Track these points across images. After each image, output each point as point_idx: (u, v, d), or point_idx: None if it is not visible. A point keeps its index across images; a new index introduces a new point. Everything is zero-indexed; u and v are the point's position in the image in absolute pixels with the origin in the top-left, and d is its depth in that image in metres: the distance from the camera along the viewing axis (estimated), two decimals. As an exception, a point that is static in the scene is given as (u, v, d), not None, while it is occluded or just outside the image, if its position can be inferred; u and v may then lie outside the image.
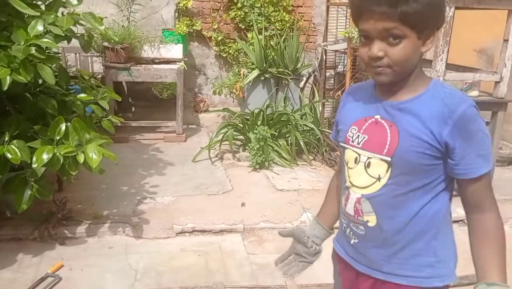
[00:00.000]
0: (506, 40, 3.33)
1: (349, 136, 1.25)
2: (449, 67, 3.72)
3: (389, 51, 1.09)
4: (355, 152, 1.23)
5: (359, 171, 1.22)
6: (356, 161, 1.23)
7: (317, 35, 6.27)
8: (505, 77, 3.39)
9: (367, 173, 1.20)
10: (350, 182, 1.25)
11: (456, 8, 3.18)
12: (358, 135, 1.23)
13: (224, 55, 6.08)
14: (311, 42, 6.29)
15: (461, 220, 3.48)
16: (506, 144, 4.69)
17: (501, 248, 1.15)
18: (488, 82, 3.56)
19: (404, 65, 1.12)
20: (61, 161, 2.42)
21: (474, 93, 3.46)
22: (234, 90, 5.52)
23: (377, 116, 1.21)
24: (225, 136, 4.49)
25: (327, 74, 5.02)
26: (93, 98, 2.86)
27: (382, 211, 1.20)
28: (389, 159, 1.16)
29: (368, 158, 1.20)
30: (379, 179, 1.19)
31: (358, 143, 1.22)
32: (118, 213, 3.26)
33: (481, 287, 1.11)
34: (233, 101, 6.02)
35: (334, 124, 1.41)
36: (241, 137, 4.67)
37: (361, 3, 1.11)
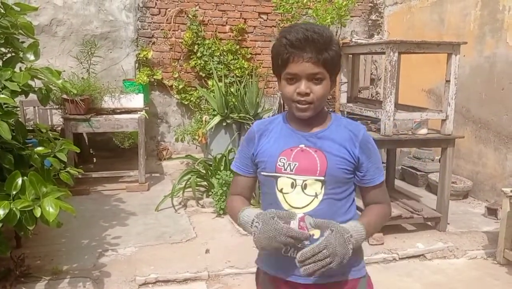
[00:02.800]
0: (448, 81, 3.56)
1: (279, 165, 1.41)
2: (399, 107, 3.92)
3: (313, 88, 1.36)
4: (290, 178, 1.40)
5: (296, 193, 1.40)
6: (293, 185, 1.40)
7: (276, 81, 6.46)
8: (450, 115, 3.60)
9: (305, 194, 1.39)
10: (289, 205, 1.40)
11: (400, 53, 3.40)
12: (289, 164, 1.40)
13: (186, 103, 6.17)
14: (271, 87, 6.48)
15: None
16: (460, 178, 4.90)
17: (381, 221, 1.50)
18: (436, 120, 3.76)
19: (322, 101, 1.40)
20: (18, 216, 2.38)
21: (423, 131, 3.64)
22: (197, 137, 5.58)
23: (302, 145, 1.43)
24: (188, 183, 4.49)
25: (287, 118, 5.15)
26: (50, 151, 2.85)
27: None
28: (322, 178, 1.39)
29: (304, 180, 1.39)
30: (316, 196, 1.39)
31: (291, 170, 1.40)
32: (79, 267, 3.17)
33: (348, 222, 1.38)
34: (196, 148, 6.07)
35: (243, 156, 1.55)
36: (205, 183, 4.68)
37: (294, 50, 1.33)
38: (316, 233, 1.37)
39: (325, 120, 1.47)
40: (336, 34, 4.06)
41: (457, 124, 4.15)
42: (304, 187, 1.39)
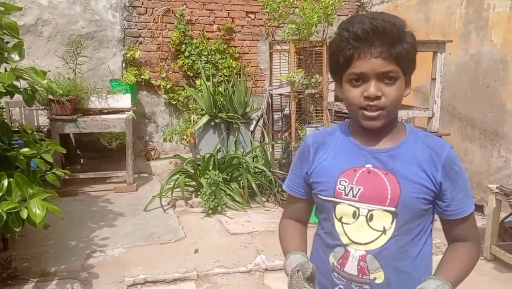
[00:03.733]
0: (433, 79, 3.60)
1: (339, 189, 1.16)
2: (386, 105, 3.95)
3: (385, 90, 1.09)
4: (352, 206, 1.15)
5: (359, 226, 1.14)
6: (355, 215, 1.15)
7: (264, 80, 6.48)
8: (436, 112, 3.64)
9: (370, 227, 1.14)
10: (348, 239, 1.16)
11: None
12: (352, 187, 1.15)
13: (174, 103, 6.14)
14: (259, 86, 6.49)
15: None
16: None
17: (470, 269, 1.19)
18: (422, 118, 3.80)
19: (396, 106, 1.13)
20: (4, 218, 2.35)
21: (410, 129, 3.67)
22: (185, 137, 5.56)
23: (368, 165, 1.16)
24: (177, 183, 4.48)
25: (275, 116, 5.18)
26: (36, 152, 2.82)
27: (390, 265, 1.14)
28: (393, 209, 1.12)
29: (369, 210, 1.13)
30: (384, 232, 1.13)
31: (354, 196, 1.14)
32: (66, 269, 3.15)
33: (427, 281, 1.13)
34: (185, 148, 6.05)
35: (296, 175, 1.31)
36: (193, 183, 4.67)
37: (359, 44, 1.08)
38: (379, 276, 1.15)
39: (398, 133, 1.19)
40: (323, 33, 4.08)
41: (443, 121, 4.20)
42: (369, 218, 1.14)
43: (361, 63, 1.08)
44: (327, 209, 1.20)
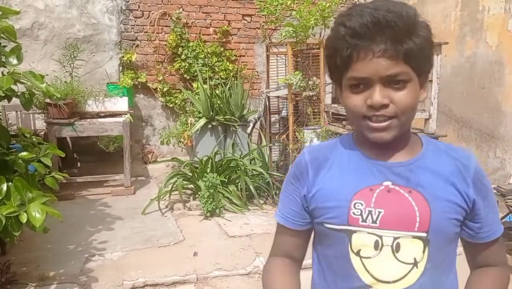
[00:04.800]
0: (430, 81, 3.62)
1: (355, 214, 0.94)
2: (383, 107, 3.97)
3: (394, 97, 0.89)
4: (373, 234, 0.93)
5: (384, 259, 0.93)
6: (378, 246, 0.93)
7: (261, 82, 6.48)
8: (433, 114, 3.66)
9: (398, 260, 0.93)
10: (372, 277, 0.94)
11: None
12: (370, 211, 0.93)
13: (171, 105, 6.14)
14: (256, 89, 6.49)
15: None
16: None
17: None
18: (419, 119, 3.82)
19: (410, 114, 0.93)
20: (3, 222, 2.34)
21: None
22: (182, 139, 5.56)
23: (387, 183, 0.95)
24: (174, 186, 4.48)
25: (272, 119, 5.19)
26: (35, 155, 2.81)
27: None
28: (424, 235, 0.92)
29: (395, 238, 0.92)
30: (415, 264, 0.92)
31: (374, 221, 0.93)
32: (65, 273, 3.14)
33: None
34: (182, 150, 6.04)
35: (290, 200, 1.06)
36: (191, 185, 4.67)
37: (358, 41, 0.88)
38: None
39: (413, 144, 0.99)
40: (320, 35, 4.09)
41: (440, 123, 4.21)
42: (396, 248, 0.92)
43: (362, 65, 0.88)
44: (338, 242, 0.97)
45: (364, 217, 0.93)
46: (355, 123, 0.96)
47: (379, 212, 0.93)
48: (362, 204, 0.94)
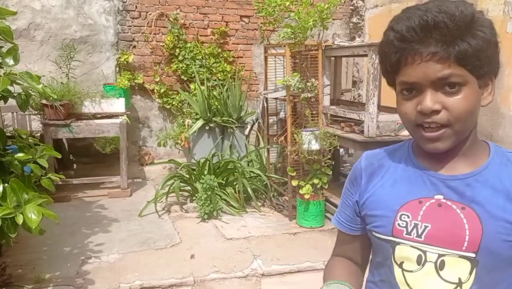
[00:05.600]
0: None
1: (400, 225, 0.92)
2: (382, 109, 3.96)
3: (447, 102, 0.84)
4: (417, 248, 0.90)
5: (426, 274, 0.89)
6: (421, 261, 0.90)
7: (258, 84, 6.47)
8: (432, 116, 3.64)
9: (441, 278, 0.88)
10: None
11: (383, 55, 3.42)
12: (416, 224, 0.90)
13: (168, 107, 6.11)
14: (253, 90, 6.48)
15: None
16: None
17: None
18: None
19: (467, 122, 0.87)
20: (-1, 224, 2.32)
21: (406, 132, 3.66)
22: (179, 141, 5.53)
23: (439, 196, 0.90)
24: (172, 188, 4.45)
25: (270, 120, 5.16)
26: (31, 157, 2.78)
27: None
28: (473, 255, 0.86)
29: (440, 255, 0.88)
30: (460, 285, 0.87)
31: (419, 235, 0.90)
32: (61, 275, 3.11)
33: None
34: (179, 152, 6.02)
35: (345, 205, 1.08)
36: (188, 188, 4.64)
37: (406, 45, 0.85)
38: None
39: (478, 155, 0.93)
40: (318, 37, 4.08)
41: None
42: (440, 266, 0.88)
43: (411, 69, 0.85)
44: (384, 251, 0.96)
45: (409, 230, 0.91)
46: (409, 131, 0.92)
47: (426, 227, 0.90)
48: (408, 216, 0.91)
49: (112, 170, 5.12)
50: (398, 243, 0.92)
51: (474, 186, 0.89)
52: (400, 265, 0.92)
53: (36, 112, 4.84)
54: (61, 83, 4.90)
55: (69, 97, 4.68)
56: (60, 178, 3.10)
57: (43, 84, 2.91)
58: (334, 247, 1.15)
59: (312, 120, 4.04)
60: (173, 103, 6.09)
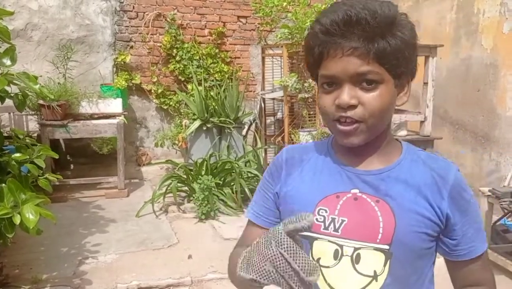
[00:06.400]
0: (425, 83, 3.63)
1: (318, 220, 0.91)
2: (379, 109, 3.97)
3: (363, 98, 0.86)
4: (334, 242, 0.90)
5: (343, 269, 0.89)
6: (338, 255, 0.89)
7: (256, 84, 6.47)
8: (428, 116, 3.66)
9: (357, 271, 0.89)
10: (329, 287, 0.90)
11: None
12: (333, 219, 0.90)
13: (165, 107, 6.11)
14: (251, 91, 6.48)
15: None
16: (438, 178, 4.97)
17: None
18: (414, 122, 3.82)
19: (381, 118, 0.89)
20: (-4, 225, 2.31)
21: (403, 132, 3.69)
22: (177, 142, 5.53)
23: (355, 190, 0.92)
24: (169, 188, 4.45)
25: (268, 121, 5.17)
26: (28, 157, 2.78)
27: None
28: (386, 247, 0.87)
29: (356, 249, 0.89)
30: (375, 277, 0.88)
31: (336, 230, 0.90)
32: (59, 275, 3.10)
33: None
34: (176, 153, 6.02)
35: (263, 197, 1.03)
36: (186, 188, 4.64)
37: (329, 39, 0.86)
38: None
39: (391, 152, 0.96)
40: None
41: (435, 125, 4.22)
42: (356, 259, 0.89)
43: (332, 62, 0.86)
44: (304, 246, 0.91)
45: (327, 225, 0.91)
46: (327, 126, 0.94)
47: (343, 221, 0.90)
48: (326, 211, 0.91)
49: (109, 171, 5.11)
50: (316, 239, 0.91)
51: (387, 180, 0.91)
52: (317, 262, 0.91)
53: (33, 112, 4.83)
54: (58, 83, 4.88)
55: (66, 97, 4.67)
56: (57, 178, 3.10)
57: (40, 84, 2.91)
58: (239, 240, 1.09)
59: (309, 120, 4.05)
60: (171, 103, 6.09)
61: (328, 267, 0.90)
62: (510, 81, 4.15)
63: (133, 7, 5.90)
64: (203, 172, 4.56)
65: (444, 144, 4.88)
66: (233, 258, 1.00)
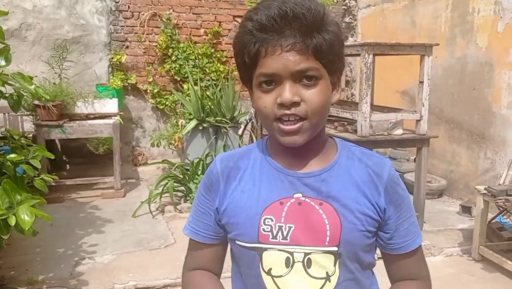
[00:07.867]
0: (421, 82, 3.63)
1: (265, 230, 0.89)
2: (375, 108, 3.98)
3: (305, 94, 0.84)
4: (284, 250, 0.88)
5: (297, 276, 0.88)
6: (289, 263, 0.88)
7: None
8: (424, 115, 3.67)
9: (310, 276, 0.88)
10: None
11: (375, 54, 3.44)
12: (280, 227, 0.88)
13: (161, 107, 6.10)
14: (246, 90, 6.45)
15: None
16: (434, 177, 4.99)
17: None
18: (410, 120, 3.82)
19: (322, 115, 0.88)
20: (-9, 226, 2.30)
21: (399, 131, 3.70)
22: (173, 141, 5.52)
23: (298, 195, 0.90)
24: (165, 188, 4.44)
25: (263, 120, 5.16)
26: (23, 157, 2.76)
27: None
28: (335, 249, 0.88)
29: (306, 254, 0.88)
30: (328, 278, 0.89)
31: (285, 237, 0.88)
32: (55, 277, 3.09)
33: None
34: (173, 152, 6.01)
35: (201, 212, 1.00)
36: (182, 188, 4.63)
37: (266, 35, 0.83)
38: None
39: (328, 150, 0.95)
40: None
41: (431, 124, 4.23)
42: (307, 264, 0.88)
43: (271, 60, 0.83)
44: (249, 260, 0.92)
45: (275, 234, 0.88)
46: (267, 127, 0.90)
47: (290, 227, 0.88)
48: (272, 220, 0.89)
49: (105, 171, 5.10)
50: (266, 249, 0.89)
51: (328, 181, 0.90)
52: (269, 273, 0.90)
53: (28, 113, 4.81)
54: (54, 83, 4.86)
55: (62, 97, 4.65)
56: (53, 179, 3.08)
57: (35, 84, 2.90)
58: (185, 259, 1.07)
59: (305, 119, 4.04)
60: (167, 103, 6.08)
61: (281, 276, 0.89)
62: (505, 79, 4.16)
63: (129, 7, 5.88)
64: (199, 172, 4.55)
65: (440, 143, 4.90)
66: (188, 285, 1.01)
